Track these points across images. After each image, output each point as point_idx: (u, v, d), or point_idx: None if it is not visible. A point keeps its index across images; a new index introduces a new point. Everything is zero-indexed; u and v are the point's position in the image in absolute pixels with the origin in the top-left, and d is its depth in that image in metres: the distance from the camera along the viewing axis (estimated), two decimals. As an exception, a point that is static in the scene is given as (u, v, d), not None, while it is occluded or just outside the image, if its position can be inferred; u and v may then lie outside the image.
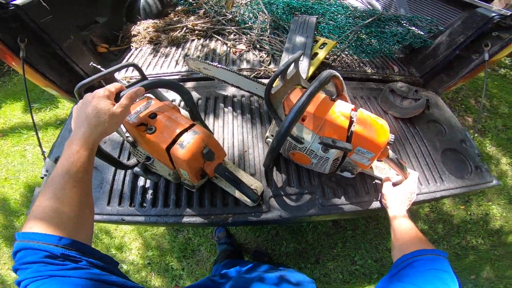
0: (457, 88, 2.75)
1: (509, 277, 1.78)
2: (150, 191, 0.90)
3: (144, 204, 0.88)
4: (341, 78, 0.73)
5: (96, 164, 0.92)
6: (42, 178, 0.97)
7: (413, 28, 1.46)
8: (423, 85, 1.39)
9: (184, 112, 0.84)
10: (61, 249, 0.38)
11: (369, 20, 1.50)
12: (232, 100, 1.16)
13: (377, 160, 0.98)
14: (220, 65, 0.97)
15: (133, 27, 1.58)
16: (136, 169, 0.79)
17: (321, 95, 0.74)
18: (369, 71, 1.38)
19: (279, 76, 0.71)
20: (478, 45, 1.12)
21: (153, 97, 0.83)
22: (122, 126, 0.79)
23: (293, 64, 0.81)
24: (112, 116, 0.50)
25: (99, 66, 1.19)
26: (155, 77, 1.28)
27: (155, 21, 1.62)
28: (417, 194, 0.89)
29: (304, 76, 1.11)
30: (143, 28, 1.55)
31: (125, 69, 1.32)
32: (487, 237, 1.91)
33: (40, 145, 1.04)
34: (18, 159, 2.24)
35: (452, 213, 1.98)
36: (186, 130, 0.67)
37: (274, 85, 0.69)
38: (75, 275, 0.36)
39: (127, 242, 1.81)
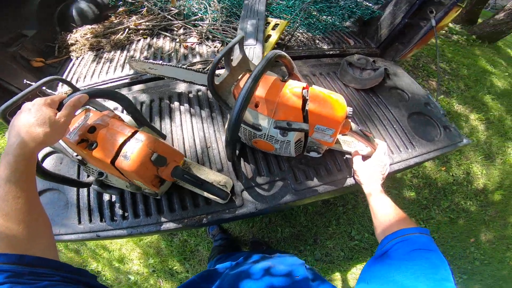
0: (417, 56, 2.86)
1: (509, 237, 1.80)
2: (117, 204, 0.86)
3: (115, 218, 0.84)
4: (289, 57, 0.70)
5: (56, 186, 0.89)
6: None
7: (361, 0, 1.46)
8: (380, 55, 1.40)
9: (130, 119, 0.77)
10: (26, 267, 0.34)
11: (316, -4, 1.48)
12: (187, 96, 1.09)
13: (342, 135, 0.97)
14: (164, 63, 0.90)
15: (69, 35, 1.43)
16: (94, 186, 0.75)
17: (271, 78, 0.70)
18: (325, 47, 1.36)
19: (224, 64, 0.66)
20: (424, 12, 1.14)
21: (92, 108, 0.76)
22: (66, 146, 0.72)
23: (238, 50, 0.76)
24: (53, 125, 0.46)
25: (33, 83, 1.07)
26: (102, 84, 1.18)
27: (93, 26, 1.48)
28: (390, 164, 0.87)
29: (257, 61, 1.07)
30: (81, 35, 1.41)
31: (61, 85, 1.19)
32: (474, 197, 1.93)
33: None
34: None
35: (435, 176, 2.01)
36: (128, 139, 0.61)
37: (218, 75, 0.64)
38: None
39: (126, 253, 1.76)
